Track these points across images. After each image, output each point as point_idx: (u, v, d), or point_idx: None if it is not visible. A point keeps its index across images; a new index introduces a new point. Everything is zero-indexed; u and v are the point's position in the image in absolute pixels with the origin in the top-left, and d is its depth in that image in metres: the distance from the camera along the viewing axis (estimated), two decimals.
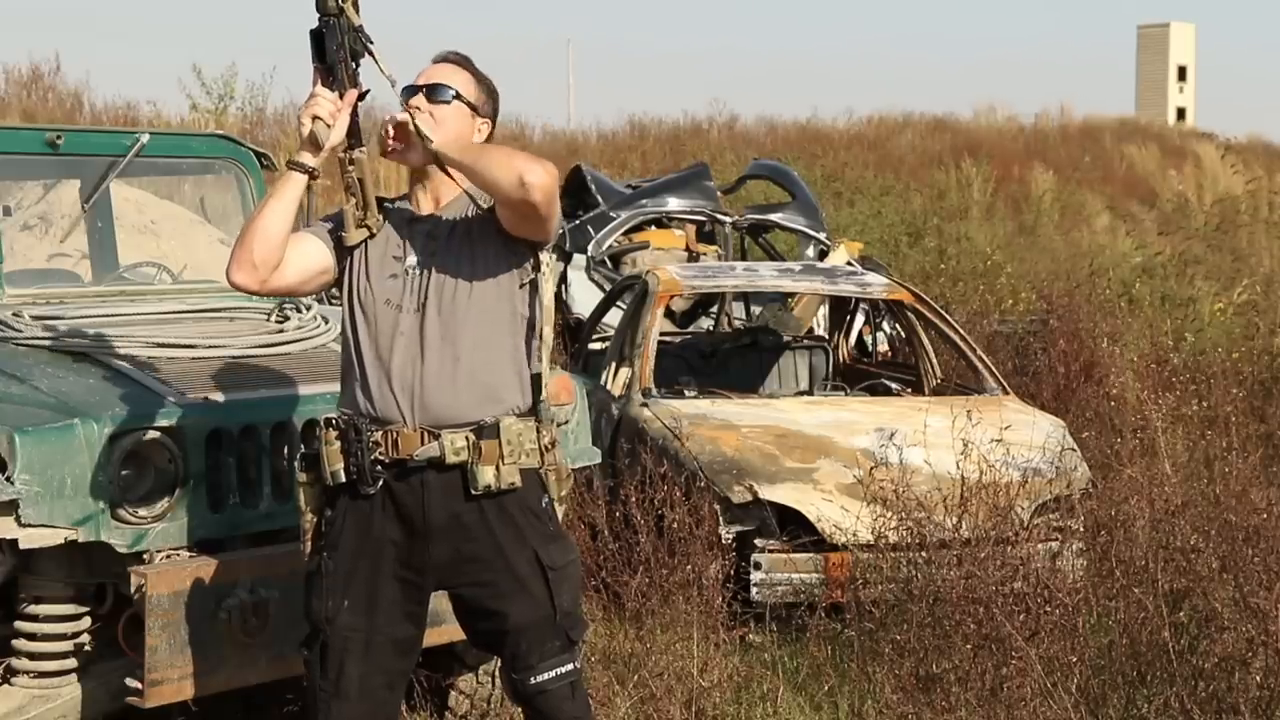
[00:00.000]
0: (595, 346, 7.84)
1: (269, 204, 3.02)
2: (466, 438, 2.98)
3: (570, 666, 3.10)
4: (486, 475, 2.99)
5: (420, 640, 3.16)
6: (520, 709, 3.26)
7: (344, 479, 3.02)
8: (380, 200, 3.14)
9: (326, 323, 4.27)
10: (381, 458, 2.99)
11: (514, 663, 3.08)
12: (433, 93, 3.08)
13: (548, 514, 3.13)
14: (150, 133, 4.82)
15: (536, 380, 3.11)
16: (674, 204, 10.01)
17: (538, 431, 3.07)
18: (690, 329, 9.04)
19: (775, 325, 8.16)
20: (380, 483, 3.00)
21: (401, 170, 3.36)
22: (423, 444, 2.98)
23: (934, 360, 7.04)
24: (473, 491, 3.00)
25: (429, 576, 3.06)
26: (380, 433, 2.98)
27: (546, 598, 3.06)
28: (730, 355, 7.77)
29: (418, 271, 3.04)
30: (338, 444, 3.02)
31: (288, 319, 4.33)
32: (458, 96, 3.10)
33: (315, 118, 2.96)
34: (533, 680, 3.06)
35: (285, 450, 3.78)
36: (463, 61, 3.16)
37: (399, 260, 3.06)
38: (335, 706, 3.04)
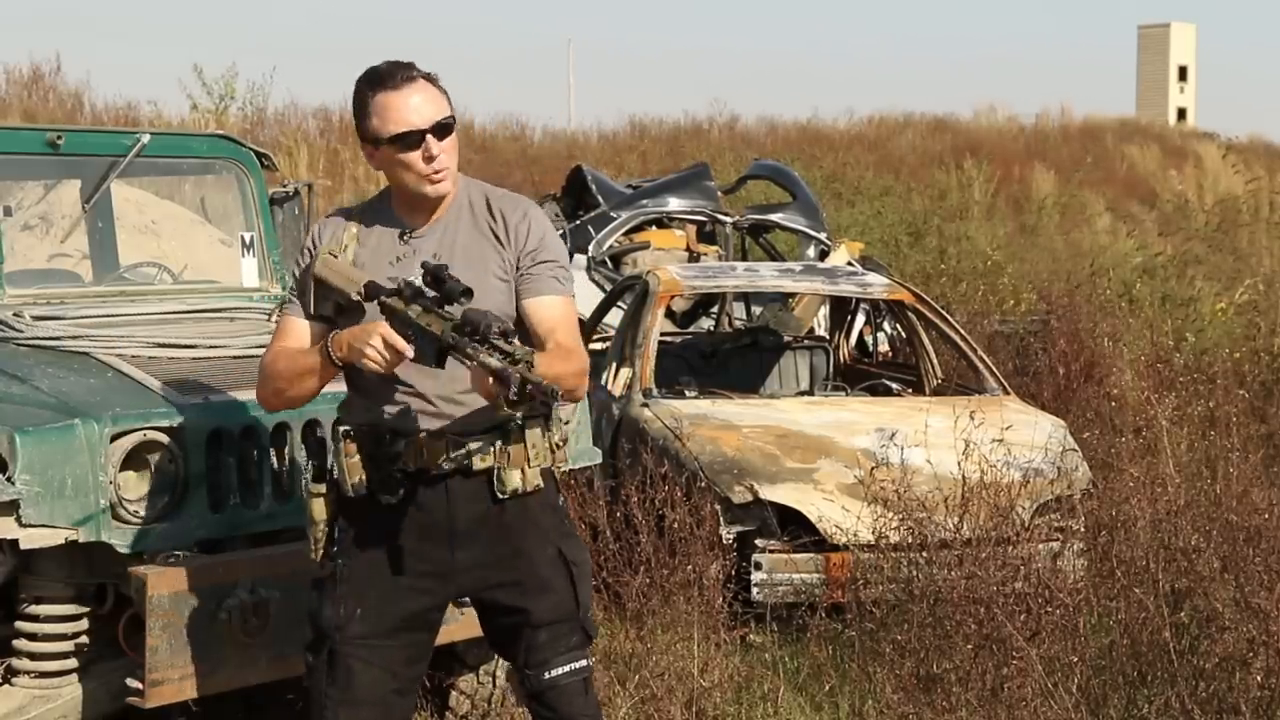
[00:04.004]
0: (596, 347, 7.83)
1: (306, 378, 2.99)
2: (493, 444, 2.98)
3: (585, 663, 3.10)
4: (514, 479, 2.99)
5: (432, 645, 3.15)
6: (525, 709, 3.25)
7: (365, 490, 2.99)
8: (348, 211, 3.12)
9: None
10: (405, 467, 2.97)
11: (528, 657, 3.07)
12: (444, 132, 2.97)
13: (563, 511, 3.15)
14: (151, 133, 4.81)
15: None
16: (674, 204, 10.00)
17: (550, 431, 3.07)
18: (691, 329, 9.04)
19: (776, 325, 8.15)
20: (401, 491, 2.98)
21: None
22: (448, 453, 2.96)
23: (934, 360, 7.03)
24: (500, 495, 3.00)
25: (451, 583, 3.05)
26: (403, 443, 2.96)
27: (570, 593, 3.07)
28: (730, 355, 7.77)
29: None
30: (358, 456, 2.98)
31: None
32: (454, 121, 3.03)
33: (370, 359, 2.83)
34: (547, 675, 3.05)
35: (285, 450, 3.78)
36: (432, 78, 3.02)
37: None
38: (345, 713, 3.01)
